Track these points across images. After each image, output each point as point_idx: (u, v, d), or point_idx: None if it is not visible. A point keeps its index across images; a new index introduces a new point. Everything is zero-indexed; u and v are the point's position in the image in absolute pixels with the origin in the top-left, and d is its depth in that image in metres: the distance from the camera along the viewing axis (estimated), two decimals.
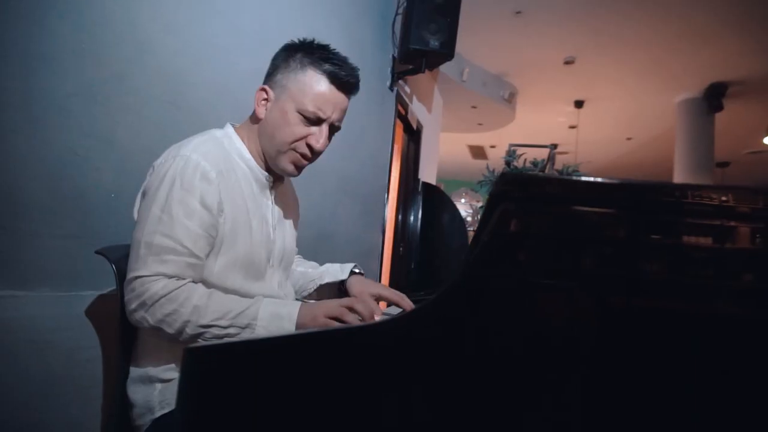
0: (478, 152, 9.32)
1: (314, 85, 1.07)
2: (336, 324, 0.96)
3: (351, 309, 0.99)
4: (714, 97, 5.55)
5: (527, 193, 0.59)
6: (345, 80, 1.09)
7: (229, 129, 1.16)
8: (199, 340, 0.95)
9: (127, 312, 0.96)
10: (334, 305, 0.99)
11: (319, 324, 0.96)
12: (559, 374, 0.58)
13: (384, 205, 3.82)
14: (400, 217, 4.66)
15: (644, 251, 0.60)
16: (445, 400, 0.57)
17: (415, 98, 4.62)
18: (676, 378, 0.58)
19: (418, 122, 4.84)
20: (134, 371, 1.07)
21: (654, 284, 0.58)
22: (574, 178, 0.61)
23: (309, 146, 1.10)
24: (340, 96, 1.09)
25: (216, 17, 1.69)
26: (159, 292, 0.93)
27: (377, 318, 0.97)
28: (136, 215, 1.05)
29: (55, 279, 1.20)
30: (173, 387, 1.04)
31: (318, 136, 1.09)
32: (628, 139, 7.85)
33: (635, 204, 0.59)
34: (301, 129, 1.08)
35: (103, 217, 1.29)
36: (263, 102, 1.11)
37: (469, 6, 3.70)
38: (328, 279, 1.36)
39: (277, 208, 1.21)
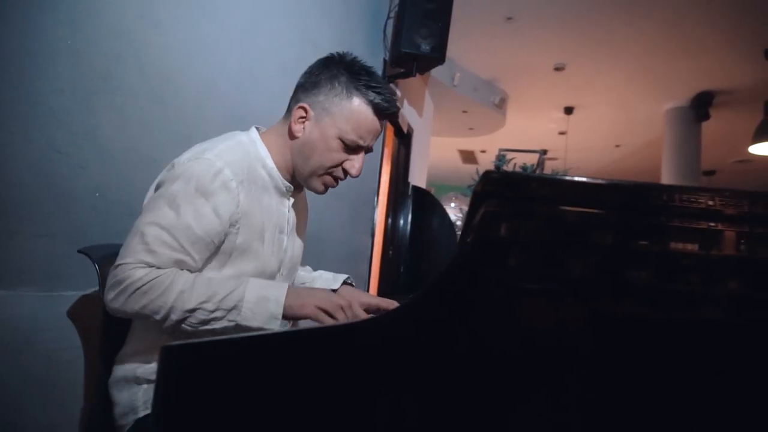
0: (468, 157, 9.35)
1: (359, 115, 1.06)
2: (324, 315, 0.95)
3: (343, 310, 0.98)
4: (701, 106, 5.61)
5: (510, 192, 0.59)
6: (388, 111, 1.09)
7: (255, 134, 1.14)
8: (185, 324, 0.93)
9: (105, 300, 0.94)
10: (327, 298, 0.98)
11: (307, 312, 0.95)
12: (539, 376, 0.58)
13: (374, 209, 3.81)
14: (389, 220, 4.66)
15: (631, 253, 0.60)
16: (422, 401, 0.56)
17: (406, 102, 4.62)
18: (662, 382, 0.58)
19: (409, 126, 4.84)
20: (119, 370, 1.05)
21: (640, 287, 0.58)
22: (559, 177, 0.60)
23: (345, 171, 1.11)
24: (380, 124, 1.10)
25: (205, 15, 1.68)
26: (142, 278, 0.91)
27: None
28: (145, 201, 1.05)
29: (37, 278, 1.18)
30: None
31: (355, 162, 1.10)
32: (617, 146, 7.91)
33: (622, 205, 0.59)
34: (340, 155, 1.09)
35: (87, 216, 1.27)
36: (301, 120, 1.09)
37: (461, 11, 3.71)
38: (319, 285, 1.35)
39: (292, 216, 1.20)
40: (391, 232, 4.70)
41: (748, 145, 4.81)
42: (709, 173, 8.20)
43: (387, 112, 1.09)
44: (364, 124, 1.06)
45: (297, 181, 1.16)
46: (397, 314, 0.58)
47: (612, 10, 4.22)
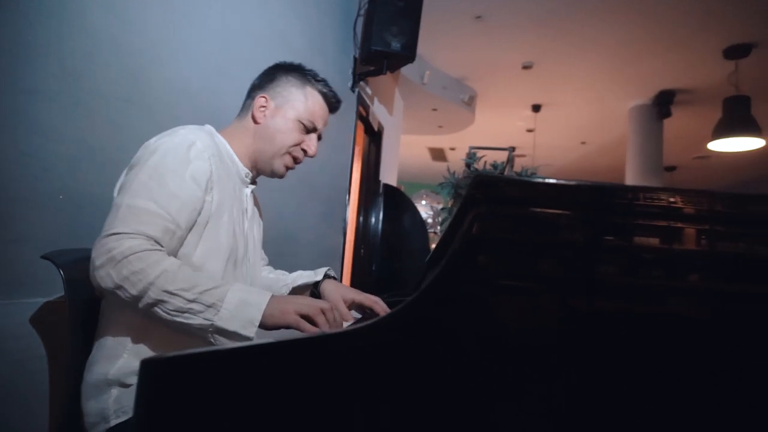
0: (438, 154, 9.41)
1: (313, 100, 1.25)
2: (305, 323, 0.93)
3: (324, 313, 0.96)
4: (663, 104, 5.78)
5: (501, 196, 0.59)
6: (334, 102, 1.29)
7: (210, 128, 1.21)
8: (158, 309, 0.91)
9: (91, 270, 0.92)
10: (308, 303, 0.96)
11: (288, 320, 0.93)
12: (534, 380, 0.58)
13: (345, 207, 3.80)
14: (361, 218, 4.65)
15: (607, 250, 0.61)
16: (420, 407, 0.56)
17: (376, 100, 4.62)
18: (635, 374, 0.59)
19: (380, 124, 4.84)
20: (89, 377, 1.02)
21: (629, 286, 0.59)
22: (551, 181, 0.61)
23: (304, 151, 1.26)
24: (327, 113, 1.29)
25: (176, 15, 1.64)
26: (132, 247, 0.91)
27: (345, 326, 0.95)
28: (116, 192, 1.04)
29: None
30: (131, 393, 0.99)
31: (311, 142, 1.26)
32: (583, 143, 8.09)
33: (611, 207, 0.60)
34: (299, 135, 1.24)
35: (51, 220, 1.22)
36: (262, 108, 1.23)
37: (430, 9, 3.73)
38: (302, 281, 1.36)
39: (251, 207, 1.28)
40: (362, 230, 4.69)
41: (708, 142, 4.98)
42: (670, 169, 8.47)
43: (333, 101, 1.28)
44: (317, 108, 1.24)
45: (252, 174, 1.26)
46: (390, 321, 0.57)
47: (578, 10, 4.31)
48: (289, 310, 0.94)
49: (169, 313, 0.91)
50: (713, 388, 0.58)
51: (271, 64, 1.31)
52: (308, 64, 1.31)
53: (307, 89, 1.24)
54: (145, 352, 1.03)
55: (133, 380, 0.99)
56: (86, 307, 1.08)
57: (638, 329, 0.59)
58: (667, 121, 5.96)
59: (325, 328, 0.94)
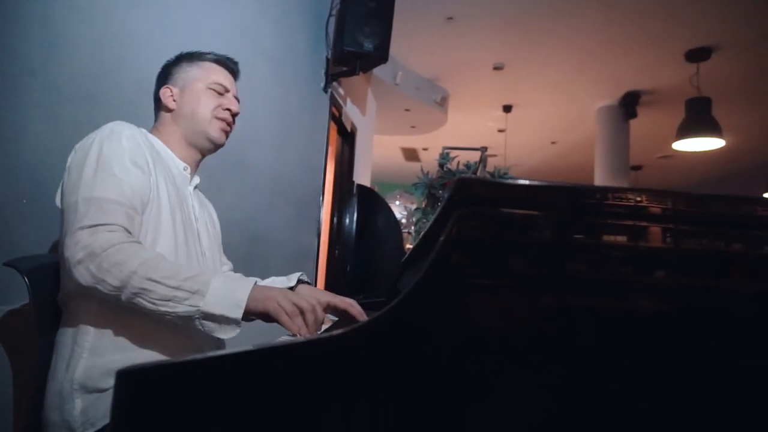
0: (410, 155, 9.44)
1: (211, 67, 1.28)
2: (284, 315, 0.93)
3: (302, 313, 0.95)
4: (629, 105, 5.92)
5: (485, 198, 0.60)
6: (229, 64, 1.31)
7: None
8: (142, 299, 0.90)
9: (68, 266, 0.91)
10: (291, 299, 0.95)
11: (269, 306, 0.93)
12: (513, 378, 0.59)
13: (319, 208, 3.78)
14: (335, 219, 4.63)
15: (576, 248, 0.62)
16: (409, 410, 0.56)
17: (349, 100, 4.61)
18: (604, 368, 0.60)
19: (353, 124, 4.83)
20: (52, 386, 0.99)
21: (612, 284, 0.61)
22: (534, 183, 0.62)
23: (227, 110, 1.26)
24: (230, 76, 1.31)
25: (140, 10, 1.60)
26: (110, 240, 0.90)
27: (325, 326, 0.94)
28: (59, 200, 1.03)
29: None
30: (97, 403, 0.96)
31: (230, 101, 1.27)
32: (553, 143, 8.23)
33: (599, 207, 0.62)
34: (216, 99, 1.25)
35: (14, 225, 1.18)
36: (170, 97, 1.24)
37: (402, 10, 3.74)
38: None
39: (197, 204, 1.26)
40: (336, 231, 4.67)
41: (671, 142, 5.13)
42: (636, 168, 8.68)
43: (228, 63, 1.30)
44: (217, 72, 1.27)
45: (191, 168, 1.26)
46: (374, 325, 0.57)
47: (548, 13, 4.39)
48: (272, 297, 0.94)
49: (153, 302, 0.90)
50: (681, 380, 0.60)
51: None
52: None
53: (200, 63, 1.27)
54: (105, 349, 1.00)
55: (99, 384, 0.97)
56: (51, 314, 1.05)
57: (608, 324, 0.60)
58: (633, 122, 6.11)
59: (302, 330, 0.93)
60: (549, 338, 0.60)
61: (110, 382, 0.97)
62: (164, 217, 1.09)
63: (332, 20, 3.56)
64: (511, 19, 4.54)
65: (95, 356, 0.98)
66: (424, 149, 8.96)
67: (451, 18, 4.57)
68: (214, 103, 1.25)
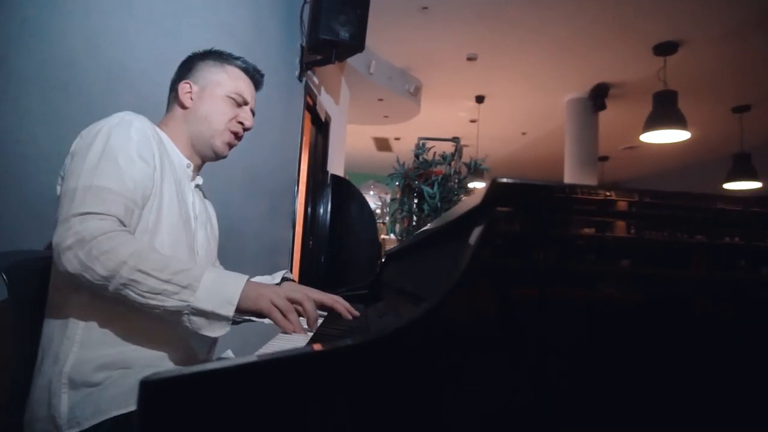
0: (383, 144, 9.42)
1: (236, 75, 1.24)
2: (278, 314, 0.92)
3: (296, 306, 0.95)
4: (598, 97, 6.03)
5: (521, 200, 0.61)
6: (255, 75, 1.29)
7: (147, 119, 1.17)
8: (130, 291, 0.87)
9: (56, 253, 0.88)
10: (285, 296, 0.94)
11: (261, 305, 0.91)
12: (490, 371, 0.59)
13: (294, 199, 3.73)
14: (309, 210, 4.59)
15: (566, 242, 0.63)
16: (379, 411, 0.54)
17: (323, 89, 4.56)
18: (574, 358, 0.62)
19: (327, 114, 4.78)
20: (39, 380, 0.95)
21: (568, 272, 0.63)
22: (571, 184, 0.64)
23: (240, 124, 1.23)
24: (252, 87, 1.28)
25: None
26: (102, 227, 0.88)
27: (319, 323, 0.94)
28: (60, 181, 1.00)
29: None
30: (85, 400, 0.92)
31: (246, 115, 1.24)
32: (523, 134, 8.33)
33: (638, 210, 0.65)
34: (233, 110, 1.22)
35: None
36: (187, 93, 1.21)
37: (377, 0, 3.71)
38: None
39: (198, 202, 1.23)
40: (310, 222, 4.63)
41: (639, 134, 5.25)
42: (603, 159, 8.87)
43: (253, 75, 1.28)
44: (242, 81, 1.24)
45: (194, 165, 1.23)
46: (413, 327, 0.55)
47: (520, 5, 4.41)
48: (265, 295, 0.92)
49: (141, 295, 0.88)
50: (649, 366, 0.63)
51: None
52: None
53: (227, 67, 1.24)
54: (96, 343, 0.97)
55: (89, 378, 0.94)
56: (30, 311, 1.01)
57: (577, 313, 0.62)
58: (602, 114, 6.23)
59: (296, 328, 0.93)
60: (586, 335, 0.62)
61: (101, 376, 0.95)
62: (165, 212, 1.07)
63: (307, 8, 3.50)
64: (484, 10, 4.55)
65: (85, 349, 0.95)
66: (396, 139, 8.95)
67: (425, 8, 4.55)
68: (231, 114, 1.22)
